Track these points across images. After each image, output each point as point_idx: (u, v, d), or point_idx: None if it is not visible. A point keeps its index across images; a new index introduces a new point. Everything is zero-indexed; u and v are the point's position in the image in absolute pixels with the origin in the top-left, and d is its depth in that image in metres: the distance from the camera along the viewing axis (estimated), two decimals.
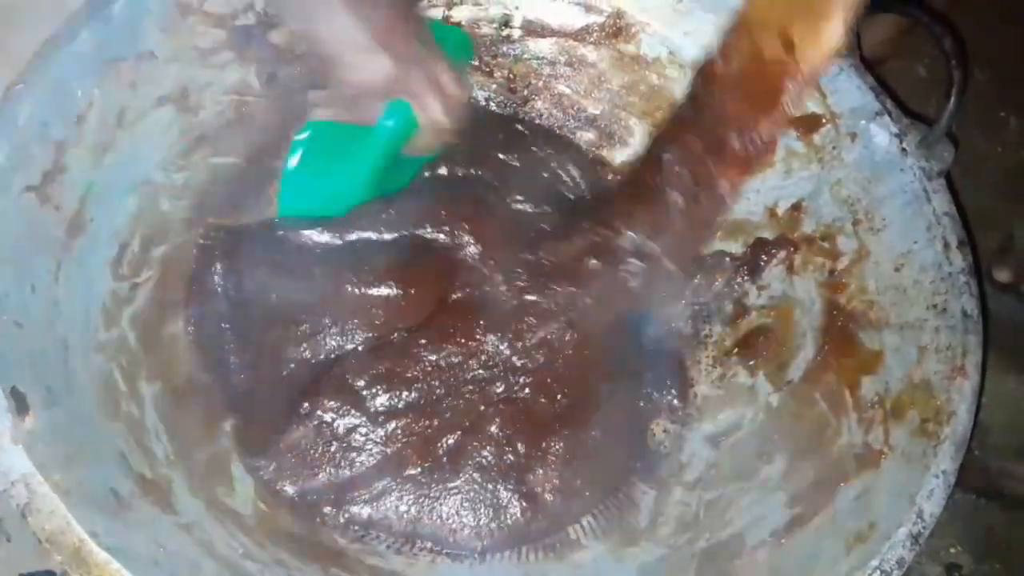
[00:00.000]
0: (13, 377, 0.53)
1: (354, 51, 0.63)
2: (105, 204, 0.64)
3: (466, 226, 0.72)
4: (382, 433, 0.65)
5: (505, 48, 0.82)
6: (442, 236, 0.72)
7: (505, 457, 0.66)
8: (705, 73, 0.65)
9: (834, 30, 0.59)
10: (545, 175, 0.79)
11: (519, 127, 0.81)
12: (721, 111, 0.64)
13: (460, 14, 0.80)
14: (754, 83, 0.62)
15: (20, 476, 0.50)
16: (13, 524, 0.67)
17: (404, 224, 0.72)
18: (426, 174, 0.76)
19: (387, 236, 0.71)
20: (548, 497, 0.66)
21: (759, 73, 0.62)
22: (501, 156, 0.78)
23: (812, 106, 0.70)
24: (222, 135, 0.72)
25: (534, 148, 0.80)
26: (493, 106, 0.83)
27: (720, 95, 0.64)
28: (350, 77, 0.64)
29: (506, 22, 0.81)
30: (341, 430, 0.65)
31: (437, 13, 0.79)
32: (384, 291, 0.69)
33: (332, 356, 0.68)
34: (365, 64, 0.63)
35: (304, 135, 0.67)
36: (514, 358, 0.68)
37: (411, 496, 0.65)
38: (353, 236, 0.71)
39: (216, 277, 0.68)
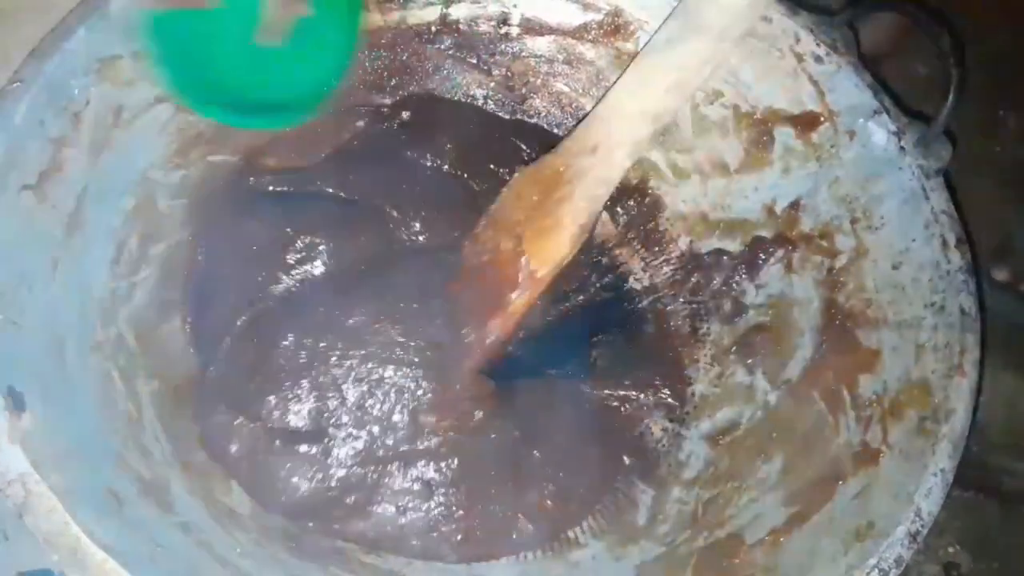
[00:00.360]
0: (10, 376, 0.53)
1: None
2: (102, 203, 0.64)
3: (422, 213, 0.73)
4: (337, 439, 0.64)
5: (503, 46, 0.82)
6: (395, 212, 0.73)
7: (485, 473, 0.65)
8: (460, 256, 0.67)
9: (561, 244, 0.61)
10: None
11: (518, 141, 0.80)
12: (457, 295, 0.65)
13: (458, 12, 0.80)
14: (487, 275, 0.64)
15: (17, 475, 0.50)
16: (11, 523, 0.67)
17: (355, 189, 0.73)
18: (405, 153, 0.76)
19: (339, 195, 0.73)
20: (543, 512, 0.65)
21: (493, 266, 0.63)
22: (492, 166, 0.78)
23: (810, 104, 0.70)
24: (219, 133, 0.72)
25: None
26: (491, 104, 0.83)
27: (461, 279, 0.66)
28: None
29: (504, 20, 0.81)
30: (296, 433, 0.64)
31: (435, 11, 0.79)
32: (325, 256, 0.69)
33: (284, 332, 0.67)
34: None
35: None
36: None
37: (392, 511, 0.64)
38: (313, 188, 0.73)
39: (200, 257, 0.70)
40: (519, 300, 0.63)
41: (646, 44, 0.64)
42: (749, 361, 0.72)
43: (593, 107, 0.66)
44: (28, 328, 0.56)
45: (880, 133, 0.67)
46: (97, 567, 0.49)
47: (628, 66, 0.65)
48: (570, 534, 0.66)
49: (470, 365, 0.65)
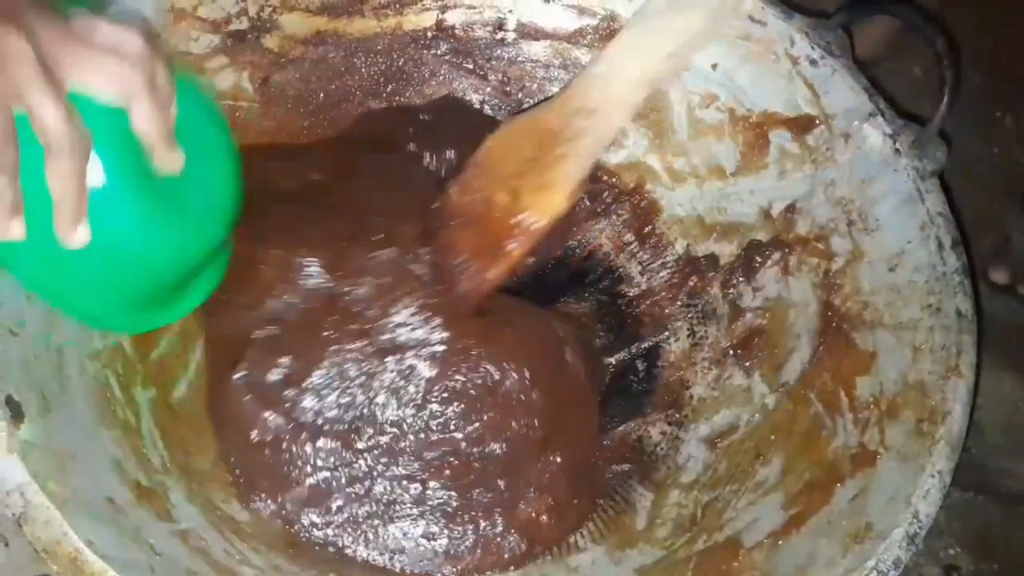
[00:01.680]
0: (8, 385, 0.53)
1: None
2: None
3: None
4: (325, 444, 0.64)
5: (499, 51, 0.82)
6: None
7: (483, 490, 0.65)
8: (443, 201, 0.68)
9: (560, 199, 0.63)
10: None
11: None
12: (449, 240, 0.66)
13: (454, 17, 0.80)
14: (481, 224, 0.65)
15: (15, 485, 0.50)
16: (11, 531, 0.67)
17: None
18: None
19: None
20: (540, 522, 0.65)
21: (487, 217, 0.65)
22: None
23: (805, 107, 0.70)
24: None
25: None
26: (488, 109, 0.83)
27: (452, 225, 0.67)
28: None
29: (500, 25, 0.81)
30: (295, 443, 0.63)
31: (431, 17, 0.79)
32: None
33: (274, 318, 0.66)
34: None
35: None
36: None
37: (384, 528, 0.64)
38: (315, 176, 0.72)
39: None
40: (517, 251, 0.65)
41: (644, 5, 0.64)
42: (746, 364, 0.72)
43: (589, 64, 0.66)
44: (26, 337, 0.56)
45: (875, 135, 0.67)
46: None
47: (628, 24, 0.66)
48: (569, 538, 0.66)
49: (467, 305, 0.67)
